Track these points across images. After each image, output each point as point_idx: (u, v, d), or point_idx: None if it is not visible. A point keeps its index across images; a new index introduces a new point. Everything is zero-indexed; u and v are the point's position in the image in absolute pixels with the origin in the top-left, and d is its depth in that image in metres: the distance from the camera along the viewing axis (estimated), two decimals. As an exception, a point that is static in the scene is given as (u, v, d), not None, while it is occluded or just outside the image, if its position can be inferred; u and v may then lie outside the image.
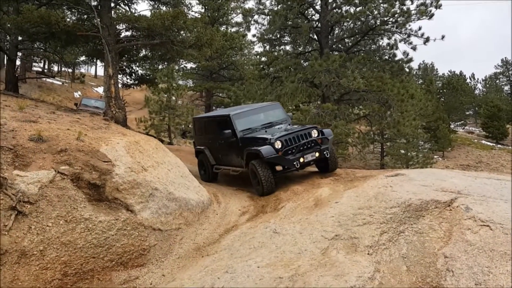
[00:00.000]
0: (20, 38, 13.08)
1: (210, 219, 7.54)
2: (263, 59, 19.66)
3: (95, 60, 43.25)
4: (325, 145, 8.49)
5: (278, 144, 8.08)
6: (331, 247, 4.44)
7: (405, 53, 15.71)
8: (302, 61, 16.33)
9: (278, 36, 18.40)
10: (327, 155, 8.42)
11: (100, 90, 45.36)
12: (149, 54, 12.95)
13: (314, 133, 8.54)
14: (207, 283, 4.50)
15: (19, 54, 15.05)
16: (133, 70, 13.45)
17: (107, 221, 5.64)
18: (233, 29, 30.30)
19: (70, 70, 39.66)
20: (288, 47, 19.29)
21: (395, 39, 16.05)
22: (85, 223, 5.37)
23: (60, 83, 38.85)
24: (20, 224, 4.86)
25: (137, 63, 13.34)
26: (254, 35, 19.10)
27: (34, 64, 38.29)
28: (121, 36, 11.76)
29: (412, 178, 6.14)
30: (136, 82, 13.84)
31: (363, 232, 4.52)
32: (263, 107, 10.07)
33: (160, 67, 19.78)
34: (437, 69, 64.10)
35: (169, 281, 5.08)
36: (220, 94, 33.53)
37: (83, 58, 41.57)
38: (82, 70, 50.84)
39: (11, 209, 4.91)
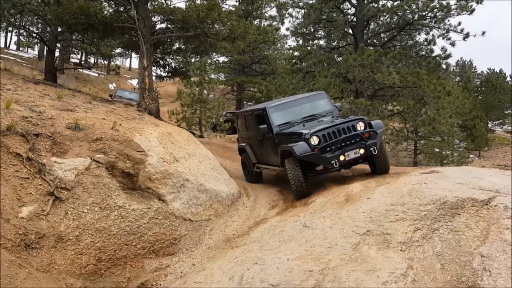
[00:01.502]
0: (59, 29, 13.49)
1: (239, 211, 7.58)
2: (296, 53, 19.54)
3: (129, 53, 44.30)
4: (373, 139, 7.20)
5: (314, 140, 7.07)
6: (362, 243, 4.36)
7: (443, 49, 15.25)
8: (335, 56, 16.11)
9: (312, 30, 18.22)
10: (374, 151, 7.07)
11: (134, 82, 46.39)
12: (183, 46, 13.10)
13: (360, 126, 7.28)
14: (236, 274, 4.51)
15: (58, 45, 15.51)
16: (166, 63, 13.64)
17: (140, 210, 5.77)
18: (267, 23, 30.19)
19: (105, 62, 40.64)
20: (321, 42, 19.11)
21: (433, 35, 15.63)
22: (118, 211, 5.51)
23: (96, 74, 40.00)
24: (57, 209, 5.03)
25: (171, 56, 13.51)
26: (287, 29, 18.97)
27: (72, 55, 39.64)
28: (156, 28, 11.95)
29: (447, 175, 5.94)
30: (170, 74, 14.03)
31: (395, 228, 4.42)
32: (304, 98, 9.00)
33: (192, 60, 19.99)
34: (475, 66, 61.74)
35: (199, 270, 5.14)
36: (252, 89, 33.59)
37: (118, 50, 42.75)
38: (118, 63, 52.19)
39: (49, 194, 5.08)
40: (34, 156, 5.29)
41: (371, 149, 7.06)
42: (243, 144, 9.94)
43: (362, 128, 7.30)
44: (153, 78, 12.22)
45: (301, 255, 4.49)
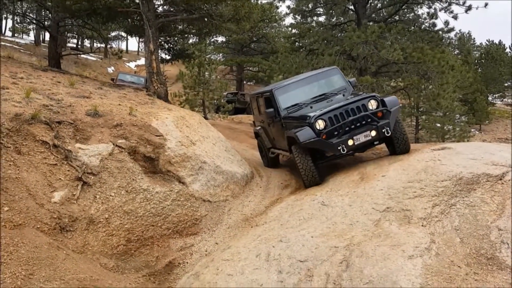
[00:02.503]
0: (61, 15, 13.42)
1: (254, 191, 7.77)
2: (294, 31, 19.44)
3: (127, 36, 43.91)
4: (385, 119, 6.50)
5: (319, 124, 6.47)
6: (383, 219, 4.56)
7: (446, 23, 15.22)
8: (337, 33, 16.07)
9: (311, 6, 18.10)
10: (387, 133, 6.37)
11: (132, 65, 46.13)
12: (186, 28, 13.07)
13: (372, 104, 6.61)
14: (262, 251, 4.72)
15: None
16: (171, 46, 13.62)
17: (163, 192, 5.95)
18: (265, 1, 29.86)
19: (103, 46, 40.29)
20: (320, 18, 18.98)
21: (435, 8, 15.56)
22: (143, 194, 5.69)
23: (94, 58, 39.68)
24: (86, 193, 5.21)
25: (175, 38, 13.49)
26: (288, 7, 18.80)
27: (68, 40, 39.22)
28: (159, 10, 11.90)
29: (459, 151, 6.11)
30: (174, 57, 14.03)
31: (414, 204, 4.61)
32: (314, 76, 8.17)
33: (190, 41, 19.88)
34: (474, 38, 61.34)
35: (224, 248, 5.35)
36: (252, 68, 33.52)
37: (114, 33, 42.39)
38: (114, 46, 51.69)
39: (77, 179, 5.26)
40: (60, 143, 5.43)
41: (383, 130, 6.36)
42: (258, 128, 9.47)
43: (374, 107, 6.61)
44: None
45: (324, 232, 4.69)
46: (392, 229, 4.28)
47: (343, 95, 7.46)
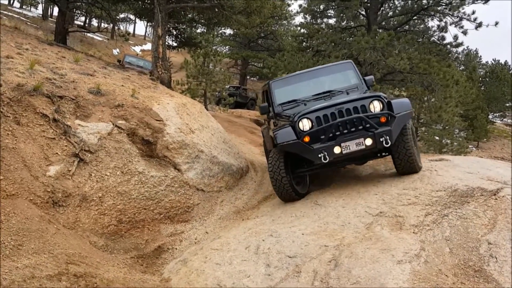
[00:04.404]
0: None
1: (248, 185, 7.79)
2: (302, 30, 19.37)
3: (135, 19, 43.72)
4: (387, 126, 5.25)
5: (303, 125, 5.42)
6: (375, 223, 4.57)
7: (455, 37, 15.20)
8: (346, 37, 16.05)
9: (322, 8, 18.05)
10: (386, 143, 5.12)
11: (138, 49, 45.94)
12: (196, 17, 13.02)
13: (374, 106, 5.40)
14: (252, 244, 4.73)
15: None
16: (179, 32, 13.57)
17: (158, 177, 5.95)
18: (277, -3, 29.75)
19: (110, 26, 40.09)
20: (330, 21, 18.94)
21: (445, 21, 15.54)
22: (138, 176, 5.69)
23: (100, 38, 39.50)
24: (81, 170, 5.20)
25: (184, 26, 13.43)
26: (300, 6, 18.75)
27: (76, 17, 38.99)
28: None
29: (457, 164, 6.13)
30: (181, 44, 13.98)
31: (408, 211, 4.62)
32: (323, 69, 7.01)
33: (198, 30, 19.80)
34: (481, 56, 61.45)
35: (214, 238, 5.36)
36: (256, 64, 33.41)
37: (122, 15, 42.22)
38: (121, 27, 51.45)
39: (74, 156, 5.25)
40: (60, 117, 5.42)
41: (381, 139, 5.13)
42: (263, 127, 8.49)
43: (378, 109, 5.40)
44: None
45: (315, 231, 4.70)
46: (384, 234, 4.29)
47: (354, 94, 6.19)
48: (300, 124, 5.45)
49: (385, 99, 5.49)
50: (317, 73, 6.98)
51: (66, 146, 5.25)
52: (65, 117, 5.55)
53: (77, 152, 5.23)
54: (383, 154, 5.74)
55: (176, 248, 5.44)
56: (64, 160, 5.10)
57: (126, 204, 5.38)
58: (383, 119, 5.39)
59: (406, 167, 5.58)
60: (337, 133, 5.40)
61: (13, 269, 3.42)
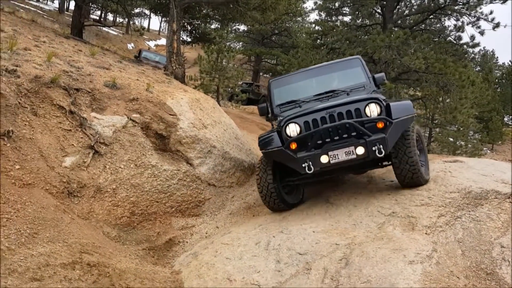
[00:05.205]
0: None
1: (259, 181, 7.80)
2: (317, 28, 19.31)
3: (150, 14, 43.96)
4: (381, 133, 4.71)
5: (291, 130, 5.02)
6: (388, 223, 4.55)
7: (472, 37, 15.03)
8: (361, 35, 15.95)
9: (337, 5, 17.97)
10: (379, 152, 4.61)
11: (152, 44, 46.19)
12: (211, 13, 13.04)
13: (371, 110, 4.88)
14: (262, 240, 4.75)
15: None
16: (194, 28, 13.61)
17: (170, 171, 6.00)
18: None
19: (126, 21, 40.37)
20: (345, 18, 18.84)
21: (462, 21, 15.36)
22: (151, 170, 5.74)
23: (115, 33, 39.81)
24: (96, 162, 5.28)
25: (199, 21, 13.47)
26: (315, 3, 18.68)
27: (92, 11, 39.36)
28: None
29: (471, 166, 6.07)
30: (195, 40, 14.02)
31: (420, 212, 4.59)
32: (327, 67, 6.42)
33: (212, 26, 19.82)
34: (497, 57, 60.43)
35: (224, 233, 5.39)
36: (269, 61, 33.35)
37: (137, 10, 42.46)
38: (136, 22, 51.79)
39: (89, 147, 5.32)
40: (76, 110, 5.49)
41: (374, 148, 4.62)
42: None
43: (375, 112, 4.87)
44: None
45: (326, 229, 4.70)
46: (396, 234, 4.27)
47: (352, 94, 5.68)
48: (287, 129, 5.04)
49: (383, 102, 4.98)
50: (320, 71, 6.36)
51: (81, 138, 5.32)
52: (81, 110, 5.62)
53: (92, 144, 5.31)
54: (384, 163, 5.26)
55: (187, 242, 5.50)
56: (80, 152, 5.18)
57: (139, 196, 5.44)
58: (380, 125, 4.82)
59: (408, 179, 5.02)
60: (327, 140, 4.93)
61: (29, 256, 3.49)
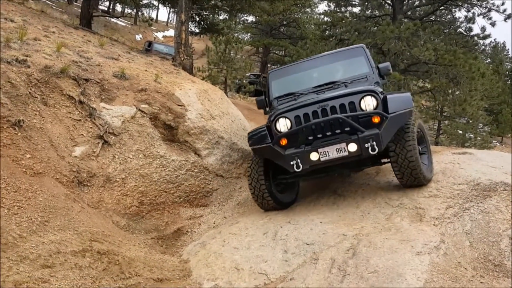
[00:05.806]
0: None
1: (267, 173, 7.82)
2: (326, 19, 19.16)
3: (158, 4, 43.88)
4: (375, 129, 4.43)
5: (280, 125, 4.81)
6: (395, 214, 4.55)
7: (482, 28, 14.81)
8: (371, 26, 15.80)
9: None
10: (372, 150, 4.32)
11: (160, 35, 46.17)
12: (219, 3, 12.98)
13: (366, 103, 4.60)
14: (270, 230, 4.78)
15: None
16: (202, 18, 13.57)
17: (178, 161, 6.03)
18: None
19: (134, 12, 40.41)
20: (355, 9, 18.66)
21: (473, 12, 15.14)
22: (160, 160, 5.78)
23: (123, 24, 39.84)
24: (105, 152, 5.33)
25: (207, 12, 13.42)
26: (324, -7, 18.52)
27: (99, 2, 39.37)
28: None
29: (480, 158, 6.03)
30: (203, 31, 13.99)
31: (429, 204, 4.58)
32: (328, 56, 6.08)
33: (221, 17, 19.76)
34: (508, 49, 59.48)
35: (232, 223, 5.43)
36: (278, 52, 33.19)
37: (145, 1, 42.42)
38: (144, 13, 51.77)
39: (99, 137, 5.37)
40: (85, 100, 5.53)
41: (366, 145, 4.34)
42: None
43: (370, 106, 4.58)
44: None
45: (333, 220, 4.71)
46: (403, 225, 4.27)
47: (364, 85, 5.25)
48: (277, 124, 4.81)
49: (379, 94, 4.67)
50: (322, 61, 6.02)
51: (91, 128, 5.37)
52: (90, 100, 5.67)
53: (101, 134, 5.35)
54: (383, 161, 4.98)
55: (195, 231, 5.55)
56: (89, 142, 5.23)
57: (148, 186, 5.49)
58: (376, 119, 4.52)
59: (407, 177, 4.71)
60: (319, 135, 4.65)
61: (40, 244, 3.55)
